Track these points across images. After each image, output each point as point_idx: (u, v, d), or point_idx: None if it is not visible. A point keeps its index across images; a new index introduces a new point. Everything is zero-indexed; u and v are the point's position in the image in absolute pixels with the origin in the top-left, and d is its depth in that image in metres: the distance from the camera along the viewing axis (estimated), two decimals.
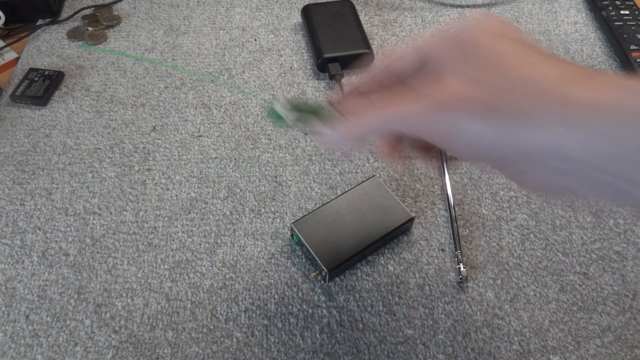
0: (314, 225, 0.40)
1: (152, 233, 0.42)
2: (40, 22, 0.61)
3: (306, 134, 0.39)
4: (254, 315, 0.38)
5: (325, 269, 0.38)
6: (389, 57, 0.29)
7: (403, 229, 0.42)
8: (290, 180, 0.46)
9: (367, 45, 0.56)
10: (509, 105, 0.22)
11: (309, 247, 0.39)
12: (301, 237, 0.39)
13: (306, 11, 0.60)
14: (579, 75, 0.22)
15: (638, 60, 0.54)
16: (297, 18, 0.62)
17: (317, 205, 0.44)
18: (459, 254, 0.41)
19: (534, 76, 0.22)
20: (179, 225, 0.43)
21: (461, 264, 0.40)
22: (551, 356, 0.36)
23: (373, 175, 0.44)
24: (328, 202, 0.41)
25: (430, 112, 0.24)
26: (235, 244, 0.42)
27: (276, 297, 0.39)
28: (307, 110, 0.32)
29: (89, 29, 0.59)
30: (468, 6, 0.64)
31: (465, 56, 0.24)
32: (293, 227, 0.40)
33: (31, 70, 0.54)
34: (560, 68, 0.22)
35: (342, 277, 0.40)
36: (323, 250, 0.38)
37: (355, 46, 0.55)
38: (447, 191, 0.45)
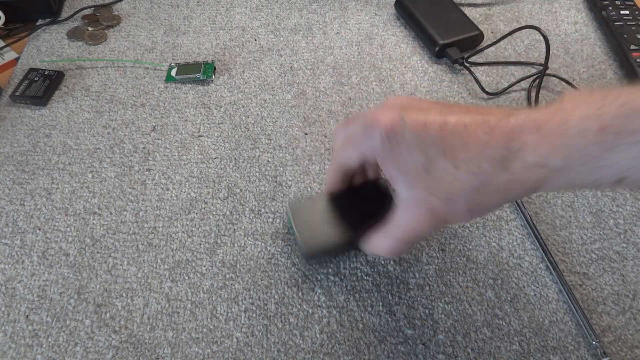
0: (309, 208, 0.39)
1: (152, 233, 0.42)
2: (40, 22, 0.61)
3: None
4: (254, 315, 0.38)
5: (304, 247, 0.37)
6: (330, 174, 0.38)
7: None
8: (290, 180, 0.46)
9: (476, 27, 0.58)
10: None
11: (293, 225, 0.38)
12: (290, 217, 0.38)
13: (400, 3, 0.61)
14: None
15: (638, 60, 0.54)
16: (297, 18, 0.62)
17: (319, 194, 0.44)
18: None
19: None
20: (179, 225, 0.43)
21: None
22: (551, 356, 0.36)
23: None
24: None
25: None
26: (235, 244, 0.42)
27: (276, 297, 0.39)
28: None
29: (89, 29, 0.59)
30: (468, 5, 0.64)
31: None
32: (288, 207, 0.39)
33: (31, 70, 0.54)
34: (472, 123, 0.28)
35: (342, 277, 0.40)
36: (307, 230, 0.37)
37: (467, 29, 0.58)
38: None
